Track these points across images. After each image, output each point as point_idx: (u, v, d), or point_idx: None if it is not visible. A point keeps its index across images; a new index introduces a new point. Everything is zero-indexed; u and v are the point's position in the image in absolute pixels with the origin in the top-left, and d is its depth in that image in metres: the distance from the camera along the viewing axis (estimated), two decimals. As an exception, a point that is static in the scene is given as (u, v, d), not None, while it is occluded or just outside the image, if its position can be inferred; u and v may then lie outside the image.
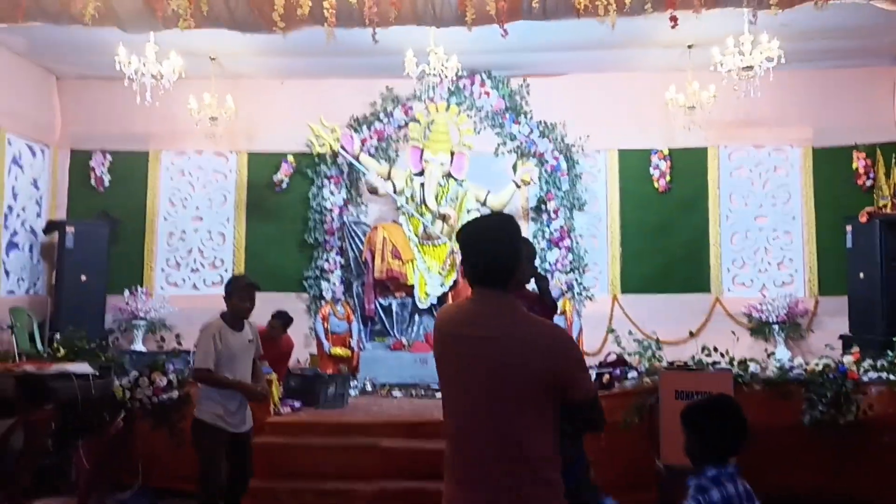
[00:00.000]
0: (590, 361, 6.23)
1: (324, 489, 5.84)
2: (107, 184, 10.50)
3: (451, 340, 2.45)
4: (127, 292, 9.95)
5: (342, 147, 9.65)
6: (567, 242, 10.16)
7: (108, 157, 10.51)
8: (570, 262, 10.14)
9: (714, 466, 2.71)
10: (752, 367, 6.39)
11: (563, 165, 10.18)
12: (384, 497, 5.79)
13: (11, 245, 9.67)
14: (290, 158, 10.39)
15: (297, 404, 7.41)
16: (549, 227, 10.19)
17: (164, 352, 8.25)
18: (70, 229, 9.70)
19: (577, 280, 10.07)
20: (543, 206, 10.22)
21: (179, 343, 7.63)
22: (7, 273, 9.58)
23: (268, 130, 10.44)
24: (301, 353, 9.85)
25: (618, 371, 6.52)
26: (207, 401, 4.90)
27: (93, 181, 10.47)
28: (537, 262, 9.88)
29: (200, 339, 4.93)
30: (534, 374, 2.31)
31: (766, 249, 10.14)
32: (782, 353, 9.36)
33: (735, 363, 6.38)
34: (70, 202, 10.54)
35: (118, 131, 10.45)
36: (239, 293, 5.07)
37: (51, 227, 10.03)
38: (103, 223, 10.12)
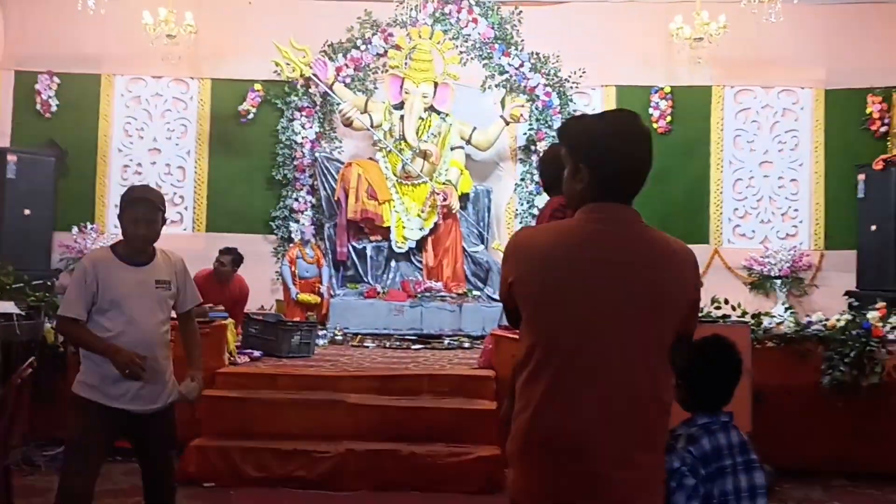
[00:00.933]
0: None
1: (282, 450, 5.12)
2: (54, 109, 9.52)
3: (568, 266, 1.94)
4: (75, 229, 9.06)
5: (314, 73, 8.75)
6: (557, 186, 9.38)
7: (56, 79, 9.52)
8: (560, 208, 9.37)
9: (705, 414, 2.43)
10: (766, 321, 5.72)
11: (556, 102, 9.36)
12: (351, 459, 5.09)
13: (-56, 174, 8.72)
14: (258, 87, 9.48)
15: (256, 354, 6.67)
16: (538, 169, 9.38)
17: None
18: (12, 158, 8.77)
19: (566, 227, 9.30)
20: (533, 147, 9.42)
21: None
22: (-60, 205, 8.66)
23: (233, 55, 9.51)
24: (266, 299, 9.12)
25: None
26: (85, 363, 3.35)
27: (38, 106, 9.49)
28: (524, 206, 9.15)
29: (73, 275, 3.44)
30: (676, 306, 1.96)
31: (770, 198, 9.45)
32: (782, 309, 8.74)
33: (747, 316, 5.70)
34: (14, 129, 9.57)
35: (68, 52, 9.47)
36: (129, 211, 3.48)
37: (-9, 155, 9.08)
38: (50, 152, 9.20)
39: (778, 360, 5.47)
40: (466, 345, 8.06)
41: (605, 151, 1.98)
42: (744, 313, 5.71)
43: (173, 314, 3.62)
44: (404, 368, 6.28)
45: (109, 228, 9.50)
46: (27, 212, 8.85)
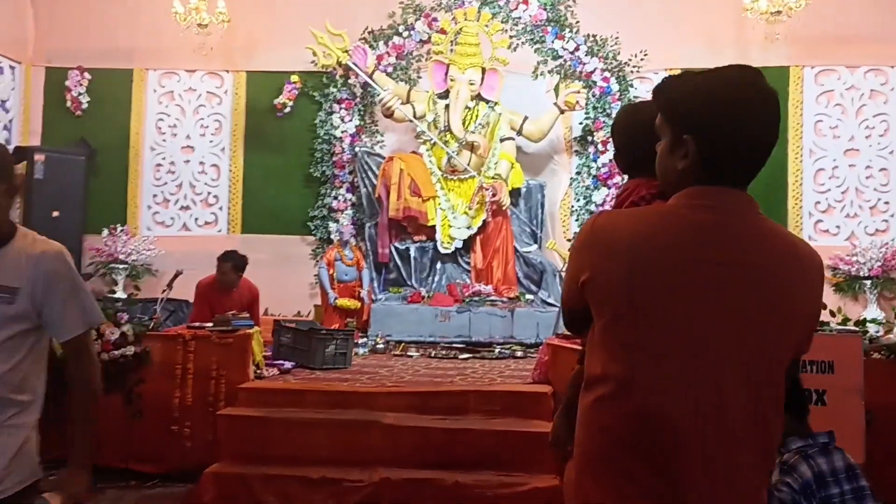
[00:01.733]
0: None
1: (308, 478, 4.48)
2: (85, 106, 9.12)
3: (664, 265, 1.50)
4: (106, 231, 8.62)
5: (352, 61, 8.14)
6: (617, 180, 8.60)
7: (87, 75, 9.11)
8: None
9: (799, 437, 2.10)
10: (873, 329, 4.87)
11: (615, 88, 8.59)
12: (386, 489, 4.42)
13: (-28, 174, 8.35)
14: (295, 78, 8.92)
15: (287, 365, 6.06)
16: (595, 161, 8.64)
17: (147, 300, 6.90)
18: (39, 158, 8.36)
19: (627, 224, 8.51)
20: (590, 137, 8.66)
21: (171, 287, 6.21)
22: (-33, 207, 8.28)
23: (268, 46, 8.97)
24: (304, 305, 8.55)
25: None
26: None
27: (69, 103, 9.09)
28: (580, 201, 8.40)
29: None
30: (799, 321, 1.55)
31: (856, 190, 8.48)
32: (874, 312, 7.81)
33: (850, 323, 4.86)
34: (44, 128, 9.19)
35: (98, 46, 9.05)
36: None
37: (19, 154, 8.66)
38: (79, 152, 8.78)
39: (891, 375, 4.62)
40: (519, 354, 7.36)
41: (719, 118, 1.52)
42: (845, 320, 4.87)
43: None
44: (449, 382, 5.60)
45: (142, 230, 9.05)
46: (56, 213, 8.42)
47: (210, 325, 5.46)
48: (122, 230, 8.64)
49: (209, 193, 9.12)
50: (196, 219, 9.12)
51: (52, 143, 9.03)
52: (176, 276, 6.08)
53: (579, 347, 5.69)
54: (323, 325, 7.91)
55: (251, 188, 9.06)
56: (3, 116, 8.81)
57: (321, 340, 6.17)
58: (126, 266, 8.51)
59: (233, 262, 6.15)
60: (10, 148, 8.78)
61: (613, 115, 8.47)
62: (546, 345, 5.38)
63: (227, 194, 9.10)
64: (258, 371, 5.56)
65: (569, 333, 5.60)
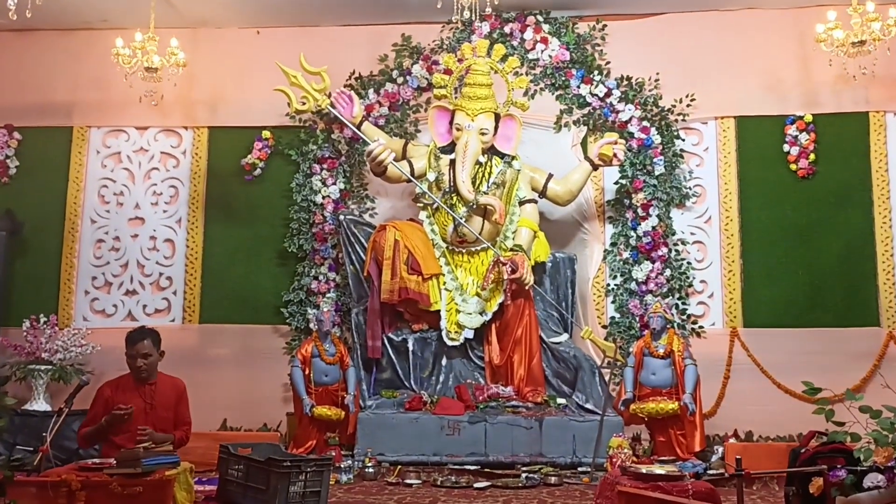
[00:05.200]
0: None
1: None
2: (12, 172, 7.54)
3: None
4: (27, 323, 6.89)
5: (332, 104, 6.58)
6: (663, 252, 6.97)
7: (17, 135, 7.56)
8: (668, 281, 6.94)
9: None
10: None
11: (657, 141, 7.05)
12: None
13: None
14: (266, 134, 7.38)
15: (235, 514, 4.26)
16: (635, 229, 7.02)
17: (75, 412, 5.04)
18: (-54, 232, 6.73)
19: (677, 307, 6.84)
20: (627, 200, 7.06)
21: (69, 404, 4.35)
22: None
23: (235, 97, 7.51)
24: (275, 414, 6.81)
25: (841, 471, 3.28)
26: None
27: (-7, 168, 7.53)
28: (617, 279, 6.75)
29: None
30: None
31: (964, 259, 6.86)
32: None
33: None
34: (-38, 198, 7.60)
35: (31, 101, 7.59)
36: None
37: (-78, 228, 7.08)
38: (1, 226, 7.14)
39: None
40: (553, 480, 5.57)
41: None
42: None
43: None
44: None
45: (77, 320, 7.32)
46: (-35, 301, 6.74)
47: (112, 462, 3.69)
48: (45, 322, 6.89)
49: (161, 275, 7.43)
50: (144, 306, 7.40)
51: (-30, 215, 7.42)
52: (78, 388, 4.33)
53: (665, 496, 3.53)
54: (295, 443, 6.15)
55: (212, 267, 7.39)
56: (-88, 184, 7.22)
57: (283, 476, 4.35)
58: (50, 367, 6.73)
59: (151, 338, 4.43)
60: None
61: (656, 173, 6.92)
62: (614, 489, 3.59)
63: (183, 275, 7.41)
64: (183, 532, 3.76)
65: (636, 466, 3.87)
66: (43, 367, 6.74)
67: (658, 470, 3.63)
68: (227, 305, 7.34)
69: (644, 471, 3.59)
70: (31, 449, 4.90)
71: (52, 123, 7.57)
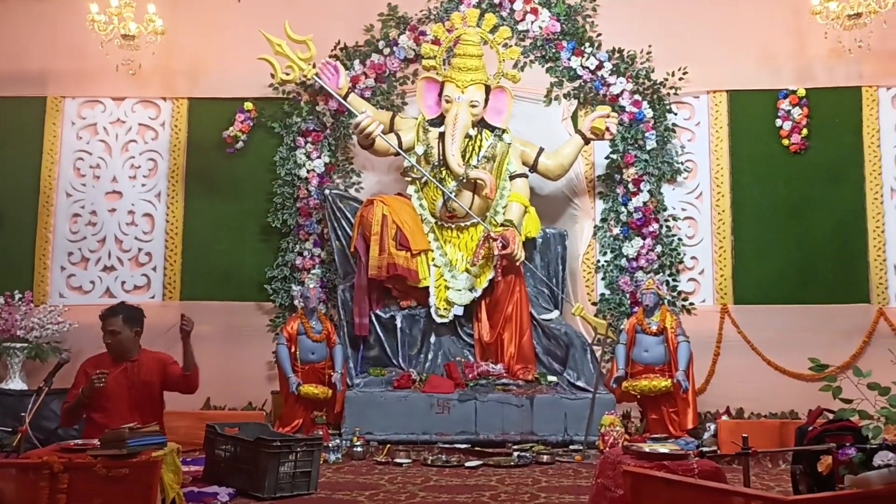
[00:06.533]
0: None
1: None
2: (-17, 144, 7.28)
3: None
4: (0, 300, 6.66)
5: (317, 75, 6.38)
6: (653, 228, 6.89)
7: (-14, 105, 7.29)
8: (659, 258, 6.86)
9: None
10: None
11: (648, 115, 6.94)
12: None
13: None
14: (248, 106, 7.16)
15: (224, 495, 4.13)
16: (626, 205, 6.92)
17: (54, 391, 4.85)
18: (-86, 206, 6.46)
19: (668, 284, 6.77)
20: (618, 175, 6.96)
21: (49, 382, 4.16)
22: None
23: (216, 67, 7.27)
24: (260, 393, 6.66)
25: (850, 449, 3.21)
26: None
27: (-37, 141, 7.24)
28: (607, 255, 6.66)
29: None
30: None
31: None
32: None
33: None
34: (-70, 171, 7.31)
35: (4, 68, 7.30)
36: None
37: None
38: (-29, 198, 6.89)
39: None
40: (545, 458, 5.48)
41: None
42: None
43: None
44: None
45: (53, 297, 7.10)
46: (-65, 278, 6.49)
47: (96, 443, 3.54)
48: (20, 298, 6.67)
49: (140, 250, 7.22)
50: (123, 282, 7.19)
51: (-60, 189, 7.16)
52: (59, 366, 4.14)
53: (672, 476, 3.42)
54: (281, 422, 6.02)
55: (194, 243, 7.19)
56: None
57: (273, 457, 4.23)
58: (25, 345, 6.52)
59: (122, 315, 4.26)
60: None
61: (647, 148, 6.81)
62: (618, 468, 3.49)
63: (163, 251, 7.20)
64: (171, 514, 3.62)
65: (640, 445, 3.77)
66: (18, 345, 6.52)
67: (662, 449, 3.54)
68: (210, 282, 7.15)
69: (647, 450, 3.50)
70: (10, 430, 4.70)
71: (25, 93, 7.28)
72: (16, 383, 6.49)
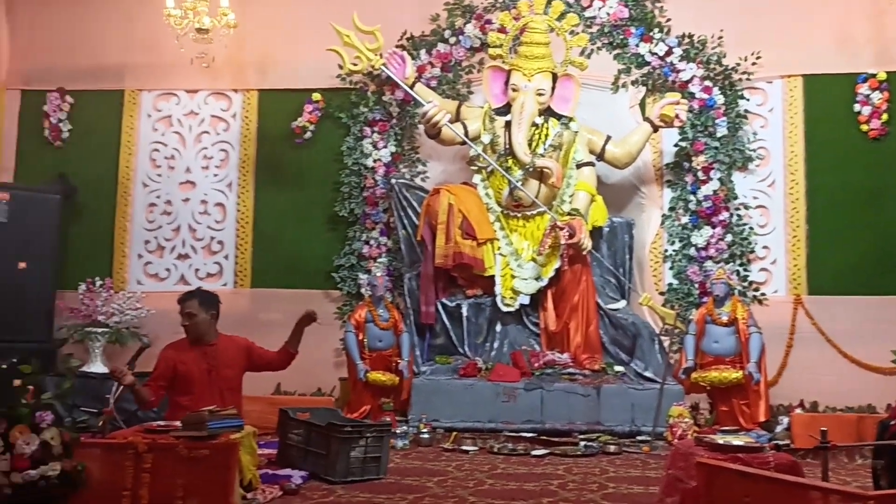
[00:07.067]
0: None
1: None
2: (65, 136, 7.54)
3: None
4: (83, 287, 6.93)
5: (384, 65, 6.44)
6: (724, 217, 6.75)
7: (69, 98, 7.55)
8: (729, 247, 6.72)
9: None
10: None
11: (719, 101, 6.79)
12: None
13: (-73, 218, 6.77)
14: (316, 97, 7.27)
15: (296, 478, 4.23)
16: (695, 193, 6.80)
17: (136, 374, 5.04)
18: (2, 196, 6.75)
19: (739, 273, 6.63)
20: (687, 163, 6.84)
21: (132, 366, 4.36)
22: (-80, 256, 6.69)
23: (285, 59, 7.38)
24: (328, 379, 6.77)
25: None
26: None
27: (47, 132, 7.53)
28: (675, 244, 6.57)
29: None
30: None
31: None
32: None
33: None
34: (17, 161, 7.63)
35: (83, 64, 7.55)
36: None
37: (-23, 192, 7.13)
38: (54, 189, 7.16)
39: None
40: (612, 449, 5.45)
41: None
42: None
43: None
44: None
45: (131, 284, 7.36)
46: (22, 265, 6.78)
47: (178, 424, 3.67)
48: (101, 285, 6.93)
49: (213, 239, 7.42)
50: (196, 270, 7.41)
51: (27, 179, 7.47)
52: (140, 350, 4.32)
53: (747, 469, 3.36)
54: (349, 408, 6.13)
55: (263, 232, 7.36)
56: (-31, 148, 7.27)
57: (345, 442, 4.32)
58: (106, 330, 6.78)
59: (199, 298, 4.38)
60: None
61: (718, 135, 6.67)
62: (690, 459, 3.45)
63: (234, 240, 7.39)
64: (248, 497, 3.73)
65: (711, 437, 3.71)
66: (99, 330, 6.78)
67: (735, 441, 3.49)
68: (279, 270, 7.30)
69: (721, 441, 3.46)
70: (95, 411, 4.91)
71: (104, 87, 7.54)
72: (97, 367, 6.74)
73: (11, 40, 7.66)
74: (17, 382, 3.64)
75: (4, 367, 4.32)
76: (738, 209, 6.79)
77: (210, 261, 7.42)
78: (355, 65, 6.43)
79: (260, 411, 5.57)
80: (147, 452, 3.47)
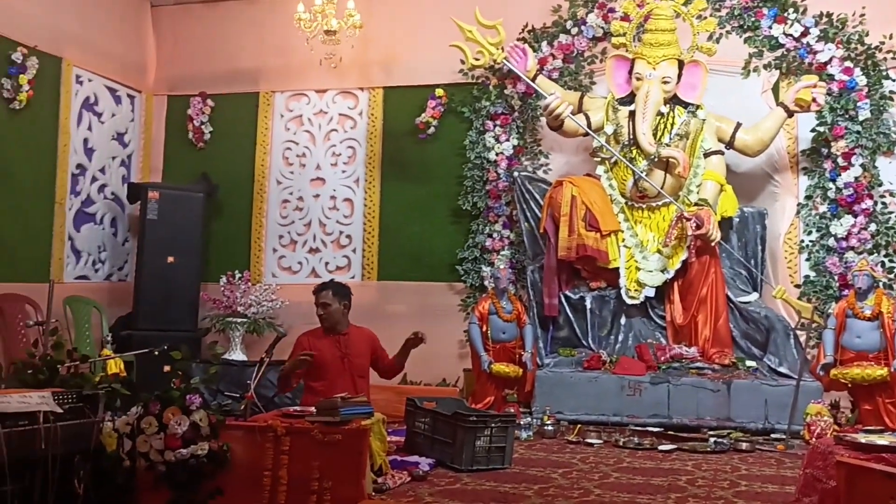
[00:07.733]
0: None
1: None
2: (207, 137, 8.02)
3: None
4: (224, 279, 7.37)
5: (506, 59, 6.46)
6: (867, 205, 6.37)
7: (210, 102, 8.02)
8: (873, 237, 6.34)
9: None
10: None
11: (861, 82, 6.40)
12: None
13: (83, 217, 7.38)
14: (440, 92, 7.39)
15: (423, 464, 4.35)
16: (834, 181, 6.45)
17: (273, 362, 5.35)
18: (153, 195, 7.26)
19: (883, 265, 6.24)
20: (826, 149, 6.49)
21: (270, 354, 4.62)
22: (77, 253, 7.30)
23: (408, 56, 7.54)
24: (453, 370, 6.89)
25: None
26: None
27: (191, 134, 8.04)
28: (812, 234, 6.25)
29: None
30: None
31: None
32: None
33: None
34: (165, 163, 8.19)
35: (221, 69, 7.99)
36: None
37: (133, 193, 7.69)
38: (198, 188, 7.64)
39: None
40: (744, 446, 5.27)
41: None
42: None
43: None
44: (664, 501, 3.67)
45: (267, 277, 7.75)
46: (171, 259, 7.28)
47: (312, 410, 3.86)
48: (240, 277, 7.33)
49: (341, 233, 7.71)
50: (326, 263, 7.72)
51: (173, 179, 8.04)
52: (277, 340, 4.54)
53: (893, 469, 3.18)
54: (473, 399, 6.22)
55: (389, 225, 7.57)
56: (121, 151, 7.85)
57: (470, 431, 4.41)
58: (245, 320, 7.18)
59: (333, 289, 4.59)
60: (125, 185, 7.85)
61: (860, 119, 6.30)
62: (830, 458, 3.31)
63: (361, 233, 7.64)
64: (379, 482, 3.88)
65: (856, 437, 3.53)
66: (239, 320, 7.19)
67: (880, 441, 3.31)
68: (404, 263, 7.49)
69: (864, 441, 3.29)
70: (237, 395, 5.22)
71: (240, 90, 7.96)
72: (237, 355, 7.17)
73: (158, 50, 8.21)
74: (166, 368, 3.96)
75: (157, 353, 4.64)
76: (882, 196, 6.40)
77: (339, 254, 7.70)
78: (477, 59, 6.48)
79: (387, 400, 5.74)
80: (285, 435, 3.67)
